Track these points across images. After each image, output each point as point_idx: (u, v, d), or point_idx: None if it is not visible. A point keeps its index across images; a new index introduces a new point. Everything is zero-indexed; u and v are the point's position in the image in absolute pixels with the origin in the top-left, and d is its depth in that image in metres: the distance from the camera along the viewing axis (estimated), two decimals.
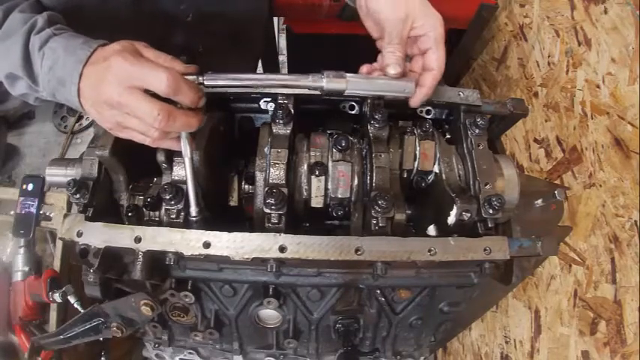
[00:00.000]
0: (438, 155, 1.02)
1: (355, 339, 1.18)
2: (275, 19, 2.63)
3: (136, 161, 1.00)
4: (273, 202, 0.89)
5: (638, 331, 1.13)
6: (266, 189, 0.91)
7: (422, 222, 1.04)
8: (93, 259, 0.87)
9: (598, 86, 1.40)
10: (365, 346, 1.24)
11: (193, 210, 0.92)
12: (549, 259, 1.47)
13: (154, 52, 0.87)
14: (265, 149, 0.99)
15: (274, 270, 0.87)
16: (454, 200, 0.91)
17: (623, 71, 1.31)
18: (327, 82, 0.91)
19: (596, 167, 1.36)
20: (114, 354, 1.72)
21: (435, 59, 0.96)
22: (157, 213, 0.97)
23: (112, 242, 0.88)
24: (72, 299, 1.36)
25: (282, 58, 2.50)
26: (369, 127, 1.00)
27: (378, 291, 1.08)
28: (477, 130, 1.00)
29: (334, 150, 1.00)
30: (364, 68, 1.01)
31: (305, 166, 1.01)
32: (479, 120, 0.99)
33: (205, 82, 0.87)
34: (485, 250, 0.89)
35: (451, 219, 0.91)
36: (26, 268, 1.54)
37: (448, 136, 1.10)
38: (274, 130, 0.99)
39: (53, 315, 1.52)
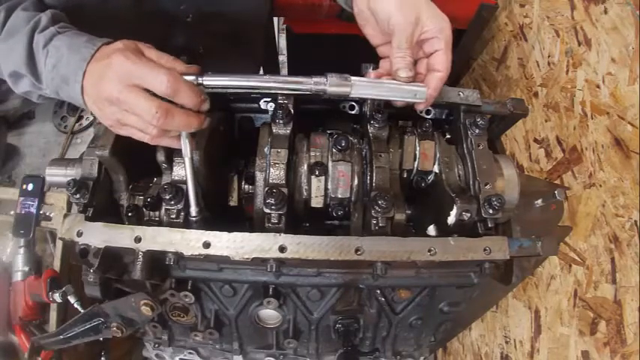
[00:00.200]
0: (437, 155, 1.03)
1: (355, 339, 1.18)
2: (275, 19, 2.63)
3: (136, 161, 1.00)
4: (273, 202, 0.89)
5: (638, 331, 1.13)
6: (266, 189, 0.91)
7: (422, 222, 1.04)
8: (93, 259, 0.87)
9: (598, 86, 1.40)
10: (365, 346, 1.24)
11: (193, 210, 0.92)
12: (549, 259, 1.47)
13: (157, 53, 0.88)
14: (265, 149, 0.99)
15: (274, 270, 0.87)
16: (454, 200, 0.91)
17: (623, 71, 1.31)
18: (330, 86, 0.90)
19: (596, 167, 1.36)
20: (114, 354, 1.72)
21: (442, 61, 0.94)
22: (157, 213, 0.97)
23: (112, 242, 0.88)
24: (72, 299, 1.36)
25: (282, 58, 2.50)
26: (369, 127, 1.00)
27: (378, 291, 1.08)
28: (476, 130, 1.00)
29: (334, 150, 1.00)
30: (371, 74, 0.99)
31: (305, 166, 1.01)
32: (479, 120, 0.99)
33: (205, 83, 0.87)
34: (485, 250, 0.89)
35: (451, 219, 0.92)
36: (26, 268, 1.54)
37: (448, 136, 1.10)
38: (274, 130, 0.99)
39: (53, 315, 1.52)
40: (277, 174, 0.94)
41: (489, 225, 0.94)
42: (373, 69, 1.06)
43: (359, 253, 0.86)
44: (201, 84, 0.87)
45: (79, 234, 0.89)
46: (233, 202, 1.08)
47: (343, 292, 1.07)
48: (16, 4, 0.99)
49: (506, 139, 1.86)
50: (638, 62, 1.25)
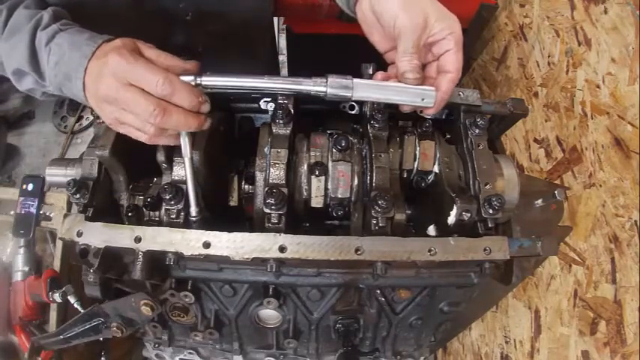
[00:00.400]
0: (437, 155, 1.03)
1: (355, 339, 1.18)
2: (275, 19, 2.63)
3: (136, 161, 1.00)
4: (273, 202, 0.89)
5: (638, 331, 1.13)
6: (266, 189, 0.91)
7: (422, 222, 1.04)
8: (93, 259, 0.87)
9: (598, 86, 1.40)
10: (365, 346, 1.24)
11: (193, 210, 0.92)
12: (549, 259, 1.47)
13: (156, 52, 0.87)
14: (265, 149, 0.99)
15: (274, 270, 0.87)
16: (454, 200, 0.91)
17: (623, 71, 1.31)
18: (330, 88, 0.88)
19: (596, 167, 1.36)
20: (114, 354, 1.72)
21: (453, 61, 0.90)
22: (157, 213, 0.97)
23: (111, 242, 0.88)
24: (72, 299, 1.36)
25: (282, 58, 2.50)
26: (369, 127, 1.00)
27: (378, 291, 1.08)
28: (476, 130, 1.00)
29: (334, 150, 1.00)
30: (379, 75, 0.95)
31: (305, 166, 1.01)
32: (479, 120, 0.99)
33: (203, 83, 0.87)
34: (485, 250, 0.89)
35: (451, 219, 0.92)
36: (26, 268, 1.54)
37: (448, 136, 1.10)
38: (274, 130, 0.99)
39: (53, 315, 1.52)
40: (277, 174, 0.94)
41: (489, 225, 0.94)
42: (373, 69, 1.07)
43: (359, 253, 0.86)
44: (200, 84, 0.86)
45: (79, 234, 0.89)
46: (233, 202, 1.08)
47: (343, 292, 1.07)
48: (17, 2, 0.99)
49: (506, 139, 1.86)
50: (638, 62, 1.25)
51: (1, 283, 1.53)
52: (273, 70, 1.97)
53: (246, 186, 1.07)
